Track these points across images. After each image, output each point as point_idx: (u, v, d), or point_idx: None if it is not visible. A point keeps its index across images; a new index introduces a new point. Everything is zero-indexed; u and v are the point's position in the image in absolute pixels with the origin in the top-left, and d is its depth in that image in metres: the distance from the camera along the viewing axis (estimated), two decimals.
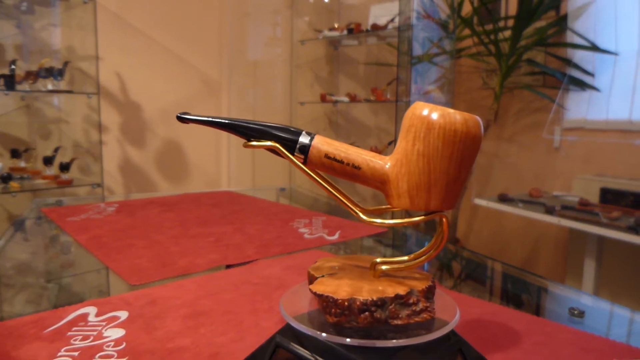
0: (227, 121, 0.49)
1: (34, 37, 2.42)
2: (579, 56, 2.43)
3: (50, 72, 2.26)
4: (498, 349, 0.55)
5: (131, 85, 2.75)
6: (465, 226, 3.03)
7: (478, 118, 0.44)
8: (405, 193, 0.45)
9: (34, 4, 2.36)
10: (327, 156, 0.47)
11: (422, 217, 0.47)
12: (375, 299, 0.42)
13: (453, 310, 0.46)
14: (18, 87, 2.20)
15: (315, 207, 1.56)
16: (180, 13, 2.90)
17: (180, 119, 0.51)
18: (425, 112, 0.44)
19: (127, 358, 0.52)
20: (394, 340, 0.41)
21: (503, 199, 2.25)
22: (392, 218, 0.52)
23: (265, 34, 3.26)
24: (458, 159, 0.43)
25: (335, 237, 1.05)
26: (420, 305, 0.43)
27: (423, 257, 0.47)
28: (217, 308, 0.66)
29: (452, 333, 0.47)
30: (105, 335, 0.58)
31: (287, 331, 0.47)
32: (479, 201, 2.33)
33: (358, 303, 0.42)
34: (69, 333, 0.58)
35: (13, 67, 2.18)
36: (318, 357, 0.43)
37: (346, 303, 0.42)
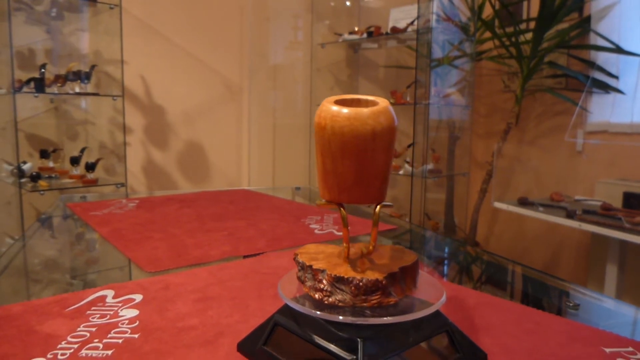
0: None
1: (62, 42, 2.52)
2: (602, 58, 2.39)
3: (78, 76, 2.35)
4: (488, 334, 0.56)
5: (155, 88, 2.83)
6: (485, 230, 3.01)
7: (362, 114, 0.44)
8: None
9: (63, 10, 2.47)
10: None
11: (324, 202, 0.50)
12: (301, 261, 0.51)
13: (440, 294, 0.48)
14: (47, 90, 2.30)
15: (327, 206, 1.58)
16: (202, 18, 2.98)
17: None
18: None
19: (139, 334, 0.56)
20: (384, 318, 0.44)
21: (523, 202, 2.22)
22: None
23: (285, 38, 3.31)
24: (333, 152, 0.45)
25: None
26: (321, 285, 0.47)
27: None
28: (225, 294, 0.69)
29: (440, 315, 0.48)
30: (120, 314, 0.62)
31: (286, 311, 0.50)
32: (499, 205, 2.31)
33: (295, 259, 0.52)
34: (88, 312, 0.62)
35: (43, 70, 2.28)
36: (312, 334, 0.46)
37: (293, 257, 0.53)
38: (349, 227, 0.50)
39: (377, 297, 0.46)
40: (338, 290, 0.46)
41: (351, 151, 0.45)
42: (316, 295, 0.48)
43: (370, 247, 0.50)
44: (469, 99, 2.88)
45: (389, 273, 0.47)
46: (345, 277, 0.46)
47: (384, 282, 0.46)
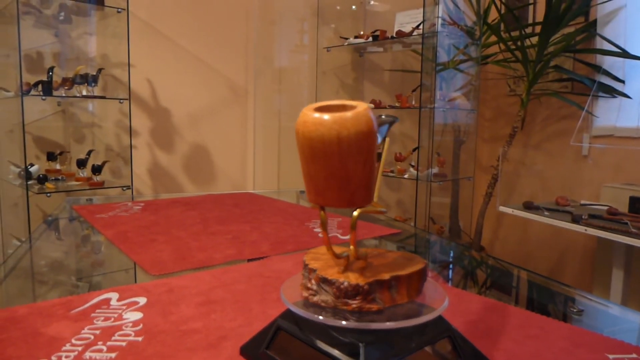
0: None
1: (70, 45, 2.55)
2: (608, 62, 2.38)
3: (85, 79, 2.37)
4: (491, 339, 0.56)
5: (161, 91, 2.85)
6: (490, 234, 3.00)
7: (327, 119, 0.44)
8: None
9: (71, 14, 2.49)
10: None
11: (312, 204, 0.50)
12: (304, 260, 0.52)
13: (442, 300, 0.48)
14: (55, 92, 2.31)
15: (336, 209, 1.58)
16: (208, 22, 3.00)
17: None
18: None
19: (143, 337, 0.56)
20: (386, 323, 0.44)
21: (528, 206, 2.21)
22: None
23: (291, 41, 3.32)
24: (306, 156, 0.46)
25: (348, 237, 1.07)
26: (310, 284, 0.49)
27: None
28: (229, 297, 0.70)
29: (442, 320, 0.48)
30: (124, 317, 0.62)
31: (288, 315, 0.50)
32: (504, 209, 2.30)
33: (303, 260, 0.53)
34: (93, 314, 0.63)
35: (51, 73, 2.30)
36: (315, 339, 0.46)
37: (303, 260, 0.53)
38: (328, 230, 0.50)
39: (357, 301, 0.46)
40: (323, 291, 0.48)
41: (319, 156, 0.45)
42: (304, 293, 0.50)
43: (353, 252, 0.50)
44: (474, 102, 2.87)
45: (375, 280, 0.47)
46: (329, 278, 0.47)
47: (365, 287, 0.46)
